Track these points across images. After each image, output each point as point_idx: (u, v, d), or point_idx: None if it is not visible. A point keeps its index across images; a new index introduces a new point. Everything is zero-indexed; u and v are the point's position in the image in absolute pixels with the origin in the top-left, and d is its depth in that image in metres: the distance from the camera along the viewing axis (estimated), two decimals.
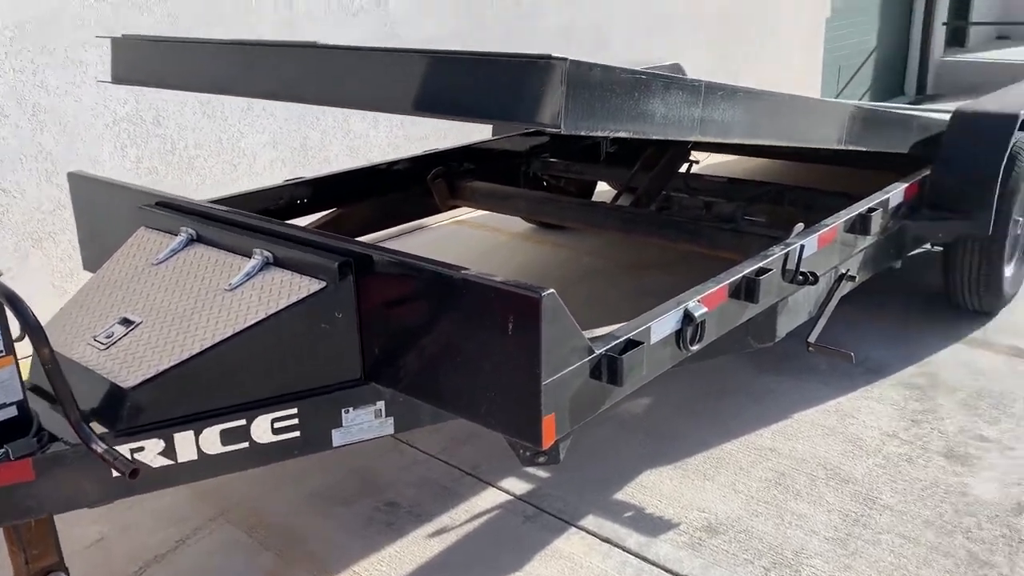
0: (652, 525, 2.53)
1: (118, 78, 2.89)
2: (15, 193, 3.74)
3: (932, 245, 3.85)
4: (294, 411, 2.09)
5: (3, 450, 1.74)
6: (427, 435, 2.97)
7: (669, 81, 2.11)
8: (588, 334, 2.13)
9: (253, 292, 2.18)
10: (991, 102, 3.76)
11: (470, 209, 4.80)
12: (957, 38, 12.42)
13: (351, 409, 2.17)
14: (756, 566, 2.35)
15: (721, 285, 2.37)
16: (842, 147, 3.00)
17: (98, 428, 1.84)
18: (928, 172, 3.52)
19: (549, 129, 1.82)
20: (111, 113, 4.00)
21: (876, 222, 3.06)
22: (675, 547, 2.43)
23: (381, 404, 2.19)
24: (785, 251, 2.63)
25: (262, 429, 2.02)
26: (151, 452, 1.88)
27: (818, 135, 2.85)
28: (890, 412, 3.12)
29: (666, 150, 4.13)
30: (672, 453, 2.90)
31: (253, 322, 2.06)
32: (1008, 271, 3.77)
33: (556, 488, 2.72)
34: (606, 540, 2.47)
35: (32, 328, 1.69)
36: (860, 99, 10.60)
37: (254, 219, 2.45)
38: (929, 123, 3.60)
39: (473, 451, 2.92)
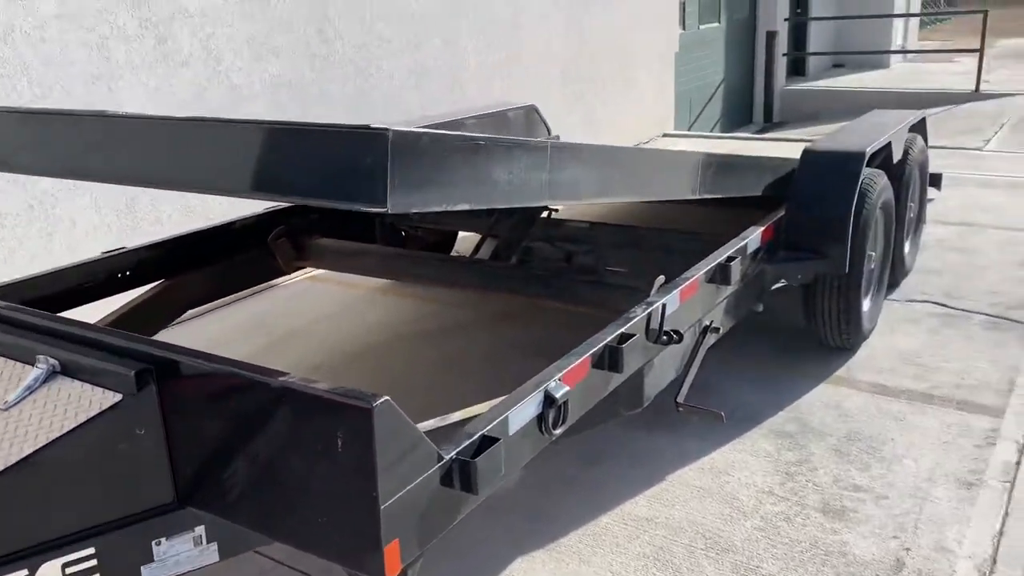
0: None
1: None
2: None
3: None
4: (91, 551, 1.75)
5: None
6: None
7: (511, 145, 1.92)
8: (439, 422, 1.89)
9: (35, 410, 1.82)
10: (838, 140, 3.80)
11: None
12: (798, 68, 13.06)
13: (164, 540, 1.84)
14: None
15: (582, 358, 2.19)
16: (697, 196, 2.90)
17: None
18: (783, 213, 3.49)
19: (374, 209, 1.58)
20: None
21: (736, 270, 2.98)
22: None
23: (201, 529, 1.87)
24: (647, 311, 2.48)
25: None
26: None
27: (672, 187, 2.73)
28: (764, 466, 3.02)
29: None
30: (545, 532, 2.69)
31: (34, 449, 1.71)
32: (866, 306, 3.79)
33: None
34: None
35: None
36: (712, 129, 10.92)
37: (38, 316, 2.08)
38: (780, 164, 3.58)
39: None
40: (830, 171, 3.51)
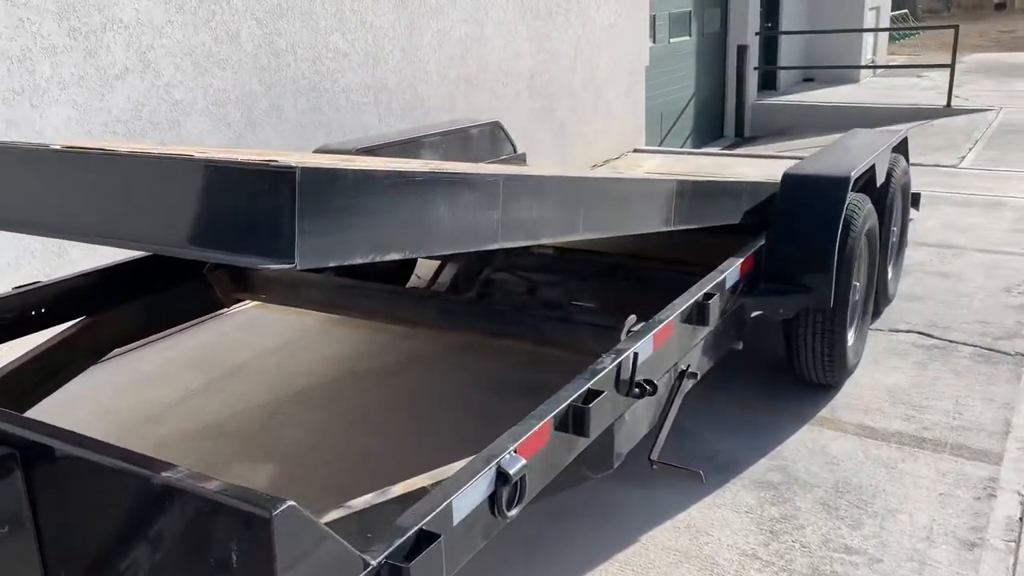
0: None
1: None
2: None
3: None
4: None
5: None
6: None
7: (455, 180, 1.63)
8: (377, 496, 1.59)
9: None
10: (820, 163, 3.55)
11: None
12: (768, 82, 12.93)
13: None
14: None
15: (542, 423, 1.90)
16: (671, 228, 2.63)
17: None
18: (762, 242, 3.24)
19: (278, 266, 1.28)
20: None
21: (714, 309, 2.71)
22: None
23: None
24: (617, 361, 2.19)
25: None
26: None
27: (643, 220, 2.46)
28: (746, 524, 2.74)
29: None
30: None
31: None
32: (850, 339, 3.54)
33: None
34: None
35: None
36: (683, 144, 10.73)
37: None
38: (759, 189, 3.33)
39: None
40: (813, 197, 3.26)
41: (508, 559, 2.60)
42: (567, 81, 7.75)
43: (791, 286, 3.21)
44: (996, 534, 2.63)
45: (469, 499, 1.64)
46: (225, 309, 4.01)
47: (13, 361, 2.96)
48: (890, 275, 4.38)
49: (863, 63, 13.70)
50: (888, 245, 4.20)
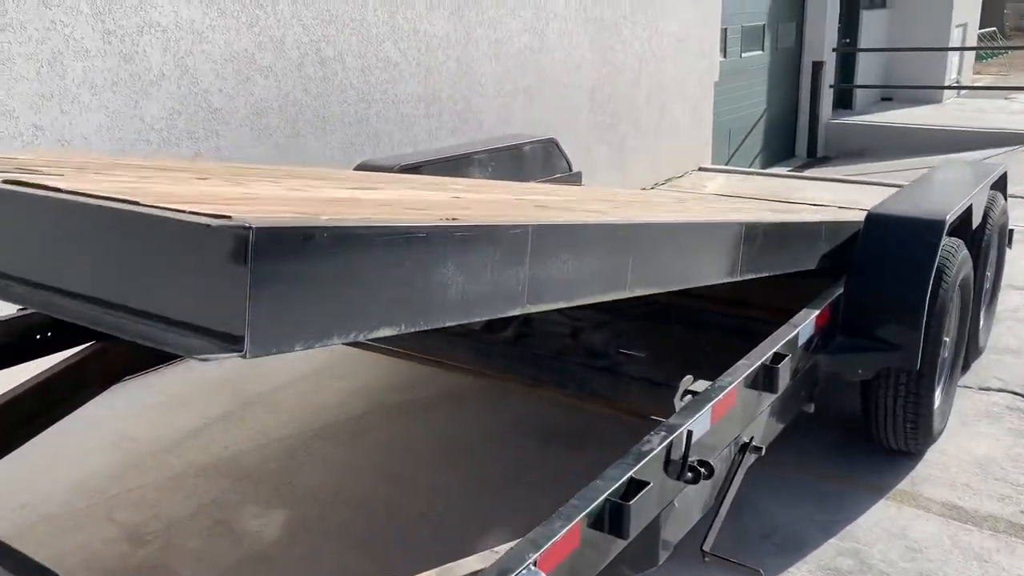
0: None
1: None
2: None
3: None
4: None
5: None
6: None
7: (470, 235, 1.32)
8: None
9: None
10: (910, 201, 3.15)
11: None
12: (844, 101, 12.36)
13: None
14: None
15: (572, 524, 1.57)
16: (737, 279, 2.28)
17: None
18: (841, 290, 2.85)
19: (222, 357, 0.98)
20: None
21: (785, 373, 2.34)
22: None
23: None
24: (668, 441, 1.86)
25: None
26: None
27: (704, 272, 2.12)
28: None
29: None
30: None
31: None
32: (937, 402, 3.13)
33: None
34: None
35: None
36: (752, 163, 10.27)
37: None
38: (838, 229, 2.95)
39: None
40: (901, 242, 2.86)
41: None
42: (630, 95, 7.40)
43: (872, 342, 2.82)
44: None
45: None
46: None
47: (14, 388, 2.75)
48: (982, 324, 3.93)
49: (947, 83, 13.01)
50: (982, 292, 3.76)
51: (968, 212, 3.27)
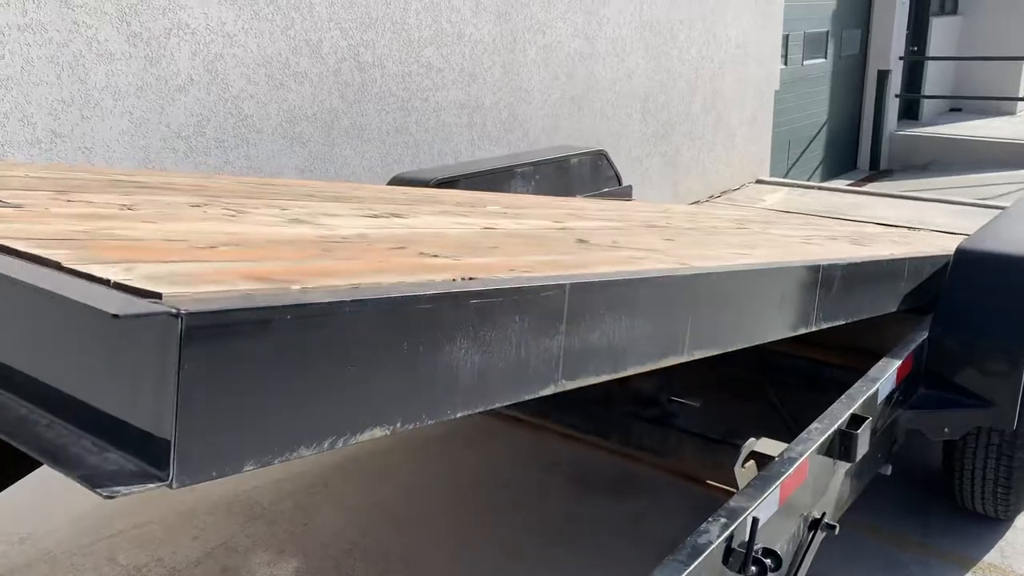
0: None
1: None
2: None
3: None
4: None
5: None
6: None
7: (489, 301, 1.04)
8: None
9: None
10: (1005, 235, 2.78)
11: None
12: (910, 112, 11.81)
13: None
14: None
15: None
16: (811, 329, 1.97)
17: None
18: (924, 335, 2.51)
19: (143, 489, 0.72)
20: None
21: (864, 439, 2.02)
22: None
23: None
24: (729, 531, 1.55)
25: None
26: None
27: (774, 324, 1.81)
28: None
29: None
30: None
31: None
32: None
33: None
34: None
35: None
36: (811, 175, 9.83)
37: None
38: (922, 265, 2.61)
39: None
40: (997, 282, 2.51)
41: None
42: (685, 104, 7.06)
43: (961, 396, 2.47)
44: None
45: None
46: None
47: None
48: None
49: (1021, 94, 12.37)
50: None
51: None
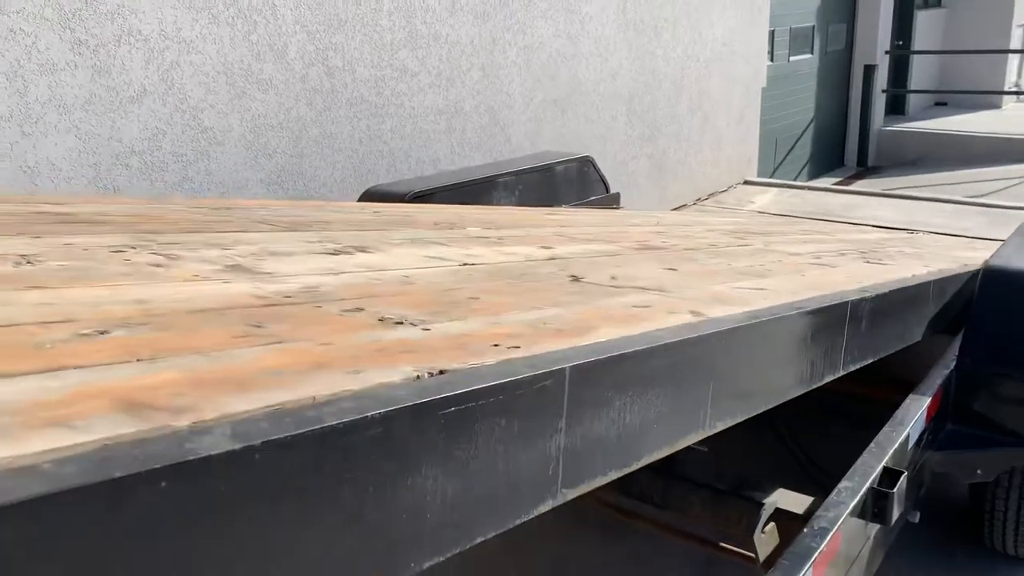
0: None
1: None
2: None
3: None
4: None
5: None
6: None
7: (465, 406, 0.78)
8: None
9: None
10: None
11: None
12: (897, 107, 11.65)
13: None
14: None
15: None
16: (839, 374, 1.72)
17: None
18: (952, 366, 2.28)
19: None
20: None
21: (900, 498, 1.77)
22: None
23: None
24: None
25: None
26: None
27: (799, 377, 1.56)
28: None
29: None
30: None
31: None
32: None
33: None
34: None
35: None
36: (798, 174, 9.63)
37: None
38: (946, 285, 2.37)
39: None
40: None
41: None
42: (671, 105, 6.83)
43: (994, 433, 2.24)
44: None
45: None
46: None
47: None
48: None
49: (1007, 87, 12.24)
50: None
51: None
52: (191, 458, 0.57)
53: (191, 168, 3.73)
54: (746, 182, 8.11)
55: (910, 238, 4.27)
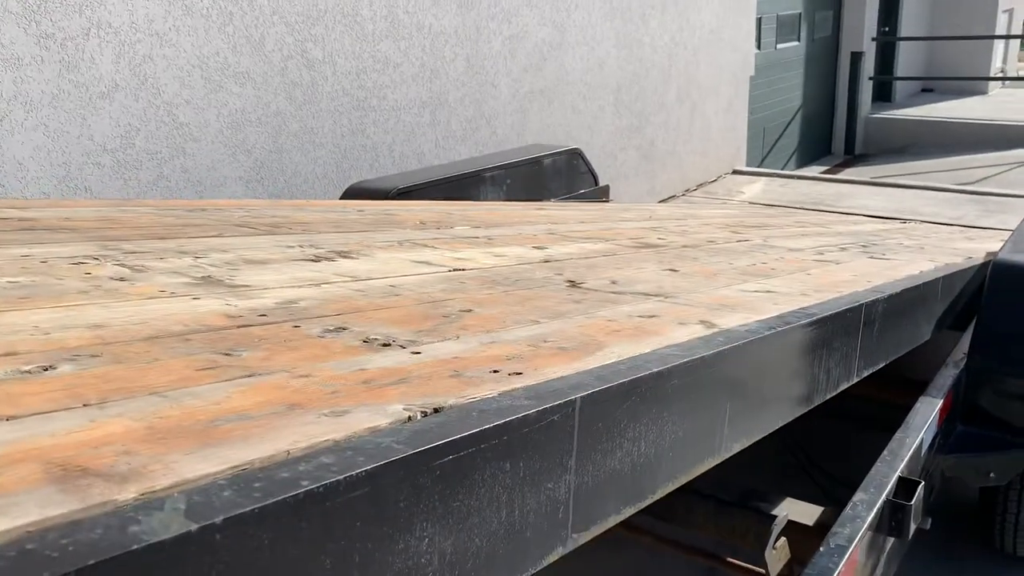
0: None
1: None
2: None
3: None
4: None
5: None
6: None
7: (458, 451, 0.67)
8: None
9: None
10: None
11: None
12: (883, 93, 11.60)
13: None
14: None
15: None
16: (853, 382, 1.63)
17: None
18: (962, 365, 2.19)
19: None
20: None
21: (917, 509, 1.68)
22: None
23: None
24: None
25: None
26: None
27: (815, 388, 1.46)
28: None
29: None
30: None
31: None
32: None
33: None
34: None
35: None
36: (786, 163, 9.56)
37: None
38: (953, 281, 2.28)
39: None
40: None
41: None
42: (659, 94, 6.72)
43: (1006, 434, 2.15)
44: None
45: None
46: None
47: None
48: None
49: (992, 73, 12.21)
50: None
51: None
52: (135, 547, 0.46)
53: (166, 166, 3.59)
54: (735, 172, 8.03)
55: (905, 228, 4.20)
